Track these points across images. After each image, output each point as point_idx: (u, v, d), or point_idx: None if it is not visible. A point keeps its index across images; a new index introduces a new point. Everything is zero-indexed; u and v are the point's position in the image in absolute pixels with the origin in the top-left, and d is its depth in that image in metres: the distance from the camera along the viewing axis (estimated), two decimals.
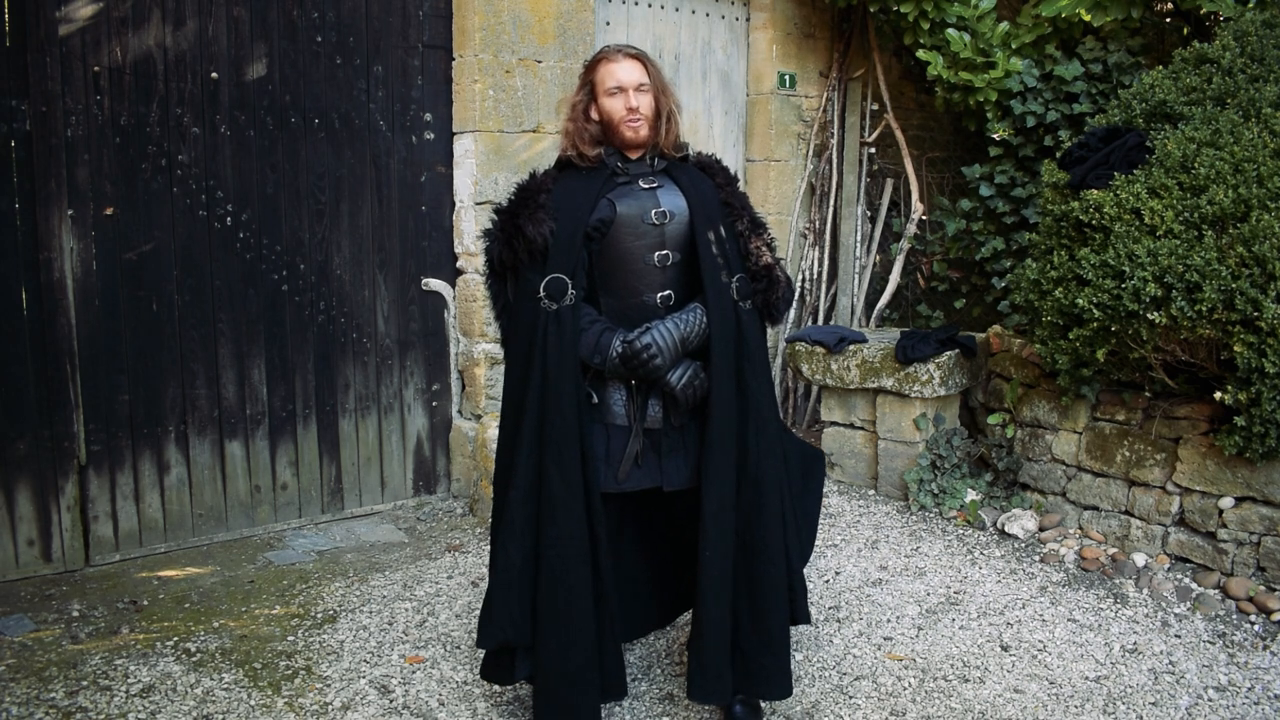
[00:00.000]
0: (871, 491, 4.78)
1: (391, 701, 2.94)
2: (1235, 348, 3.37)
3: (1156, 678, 3.13)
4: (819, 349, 4.85)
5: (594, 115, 2.65)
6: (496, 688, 3.00)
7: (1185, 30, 5.11)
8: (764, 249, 2.72)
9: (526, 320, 2.60)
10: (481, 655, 3.13)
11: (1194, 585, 3.66)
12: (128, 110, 3.78)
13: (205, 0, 3.89)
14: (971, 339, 4.66)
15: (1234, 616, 3.48)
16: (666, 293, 2.66)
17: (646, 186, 2.65)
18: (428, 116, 4.46)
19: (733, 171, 2.86)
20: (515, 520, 2.59)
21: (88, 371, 3.77)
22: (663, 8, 5.20)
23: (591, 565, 2.59)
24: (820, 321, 5.83)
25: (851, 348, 4.76)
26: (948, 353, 4.55)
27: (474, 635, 3.33)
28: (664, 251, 2.64)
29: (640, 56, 2.65)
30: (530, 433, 2.57)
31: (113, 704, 2.89)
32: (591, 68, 2.67)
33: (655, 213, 2.62)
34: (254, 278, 4.10)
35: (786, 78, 5.56)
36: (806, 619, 2.83)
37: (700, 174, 2.75)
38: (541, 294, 2.55)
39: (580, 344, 2.58)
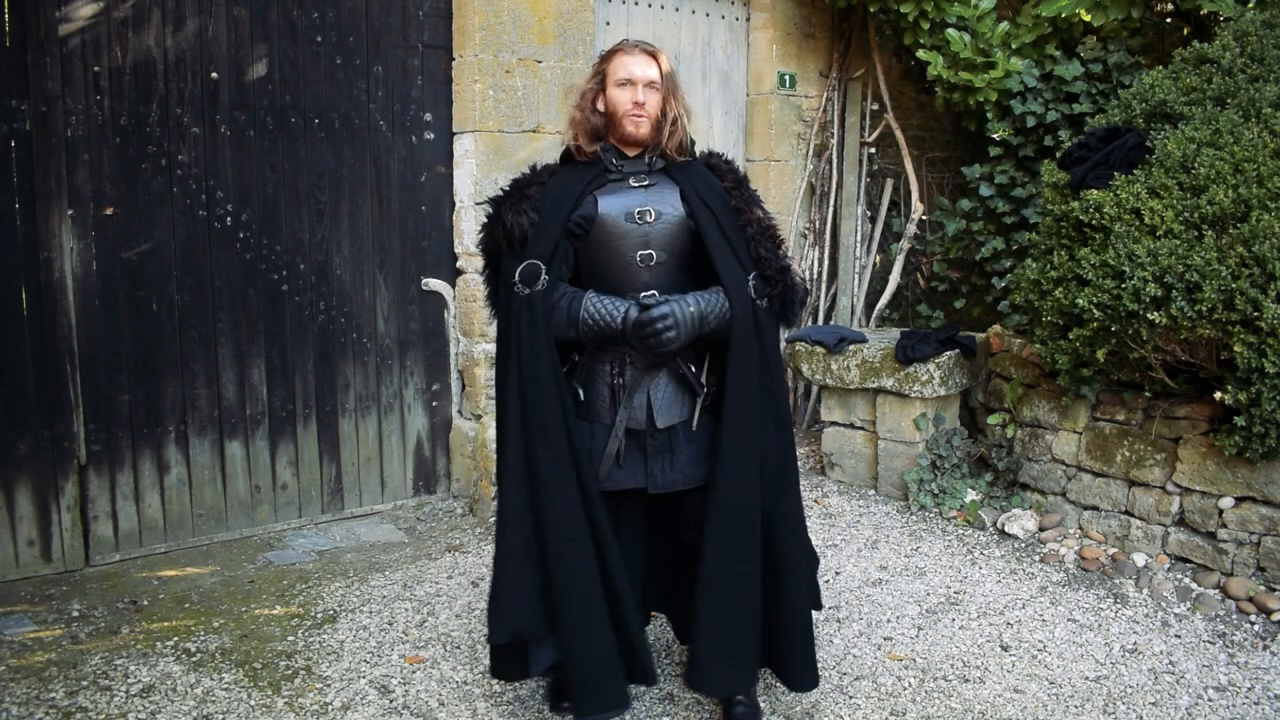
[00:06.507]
0: (871, 491, 4.78)
1: (391, 701, 2.94)
2: (1235, 348, 3.37)
3: (1156, 678, 3.13)
4: (819, 349, 4.85)
5: (600, 106, 2.65)
6: (497, 687, 3.00)
7: (1185, 30, 5.11)
8: (776, 252, 2.70)
9: (505, 308, 2.63)
10: (484, 655, 3.14)
11: (1194, 585, 3.66)
12: (128, 110, 3.78)
13: (205, 0, 3.89)
14: (971, 339, 4.66)
15: (1234, 616, 3.48)
16: (650, 293, 2.64)
17: (637, 185, 2.65)
18: (428, 116, 4.46)
19: (741, 172, 2.84)
20: (512, 510, 2.58)
21: (88, 371, 3.77)
22: (663, 8, 5.20)
23: (595, 547, 2.57)
24: (820, 321, 5.84)
25: (851, 348, 4.76)
26: (948, 353, 4.55)
27: (473, 635, 3.34)
28: (647, 251, 2.63)
29: (656, 54, 2.65)
30: (516, 420, 2.57)
31: (113, 704, 2.89)
32: (606, 58, 2.68)
33: (638, 212, 2.61)
34: (254, 278, 4.10)
35: (786, 78, 5.56)
36: (819, 605, 2.94)
37: (708, 174, 2.74)
38: (516, 279, 2.56)
39: (554, 324, 2.56)
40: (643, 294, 2.61)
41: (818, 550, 3.97)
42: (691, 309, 2.57)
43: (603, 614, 2.57)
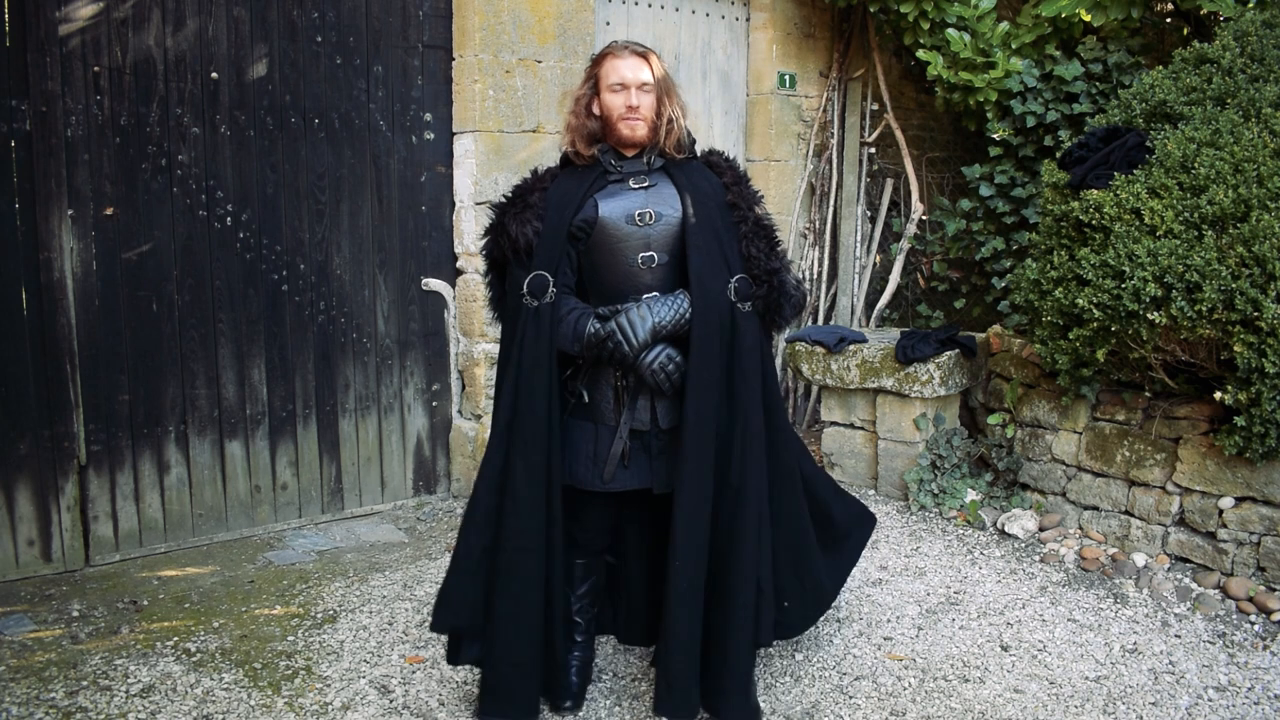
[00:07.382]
0: (871, 491, 4.78)
1: (391, 701, 2.94)
2: (1235, 348, 3.37)
3: (1156, 678, 3.13)
4: (819, 349, 4.85)
5: (595, 110, 2.64)
6: None
7: (1185, 30, 5.11)
8: (769, 253, 2.67)
9: (512, 317, 2.64)
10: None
11: (1194, 585, 3.66)
12: (128, 110, 3.78)
13: (205, 0, 3.89)
14: (971, 339, 4.66)
15: (1234, 616, 3.48)
16: (653, 294, 2.64)
17: (636, 186, 2.63)
18: (428, 116, 4.46)
19: (741, 170, 2.82)
20: (479, 511, 2.63)
21: (88, 371, 3.77)
22: (663, 8, 5.20)
23: (544, 562, 2.60)
24: (820, 321, 5.84)
25: (851, 348, 4.76)
26: (948, 353, 4.55)
27: None
28: (649, 253, 2.62)
29: (647, 55, 2.63)
30: (502, 427, 2.60)
31: (113, 704, 2.89)
32: (597, 62, 2.66)
33: (638, 214, 2.61)
34: (254, 278, 4.10)
35: (786, 78, 5.56)
36: (766, 642, 2.80)
37: (706, 172, 2.72)
38: (524, 291, 2.57)
39: (559, 336, 2.58)
40: (600, 308, 2.62)
41: None
42: (645, 319, 2.56)
43: (534, 627, 2.61)
